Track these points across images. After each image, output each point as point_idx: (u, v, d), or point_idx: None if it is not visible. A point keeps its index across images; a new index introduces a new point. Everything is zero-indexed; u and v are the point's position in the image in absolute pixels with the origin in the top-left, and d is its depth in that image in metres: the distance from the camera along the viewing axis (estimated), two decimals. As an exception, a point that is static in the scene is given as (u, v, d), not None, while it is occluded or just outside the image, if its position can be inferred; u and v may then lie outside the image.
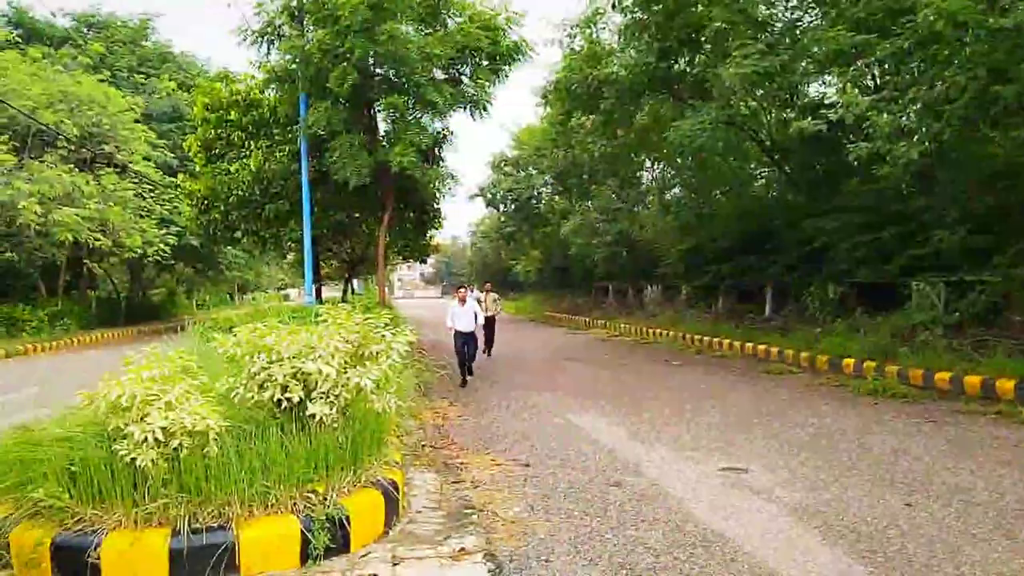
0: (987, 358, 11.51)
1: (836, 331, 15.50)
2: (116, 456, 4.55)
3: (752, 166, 24.62)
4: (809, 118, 14.19)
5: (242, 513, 4.65)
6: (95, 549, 4.32)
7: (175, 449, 4.61)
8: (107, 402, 4.69)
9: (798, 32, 16.24)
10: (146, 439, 4.49)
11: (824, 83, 19.71)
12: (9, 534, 4.48)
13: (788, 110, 19.94)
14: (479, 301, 15.90)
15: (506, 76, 18.24)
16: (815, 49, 14.99)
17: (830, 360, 14.23)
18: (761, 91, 17.29)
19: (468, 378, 13.38)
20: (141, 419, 4.60)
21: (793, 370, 14.49)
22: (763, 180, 25.13)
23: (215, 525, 4.54)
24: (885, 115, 12.55)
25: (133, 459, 4.48)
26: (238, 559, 4.47)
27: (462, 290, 14.17)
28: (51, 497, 4.53)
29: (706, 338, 19.87)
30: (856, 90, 13.78)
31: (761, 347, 17.05)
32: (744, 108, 18.75)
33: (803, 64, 15.97)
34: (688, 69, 19.30)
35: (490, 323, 17.34)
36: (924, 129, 13.43)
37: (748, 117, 19.14)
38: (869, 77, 15.77)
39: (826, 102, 18.16)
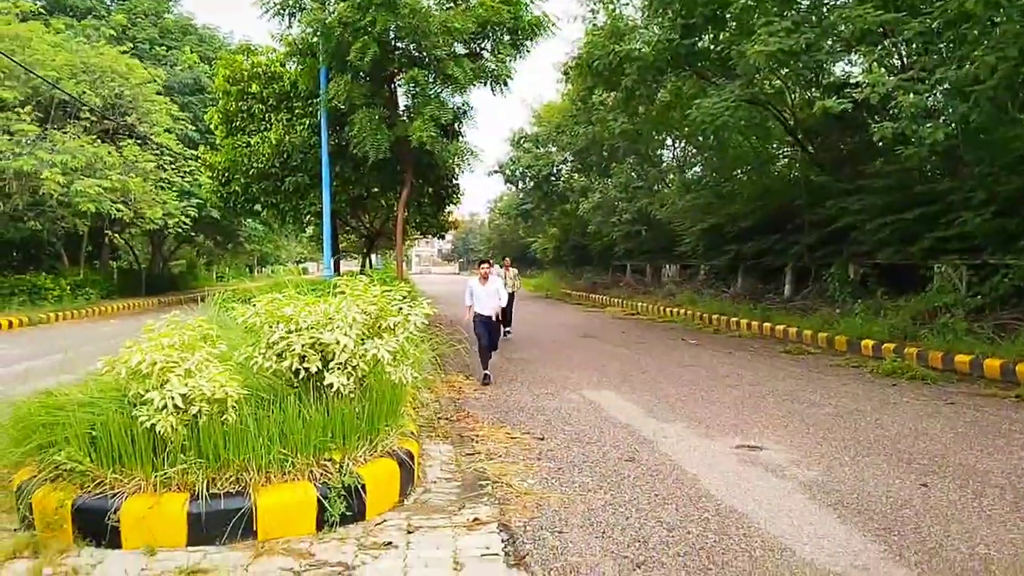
0: (1008, 342, 11.40)
1: (856, 312, 15.40)
2: (136, 421, 4.63)
3: (774, 145, 24.39)
4: (834, 97, 13.97)
5: (259, 479, 4.72)
6: (115, 512, 4.41)
7: (194, 416, 4.68)
8: (128, 368, 4.76)
9: (825, 10, 15.98)
10: (165, 405, 4.55)
11: (850, 62, 19.43)
12: (32, 496, 4.57)
13: (813, 89, 19.68)
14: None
15: (528, 51, 18.07)
16: (842, 27, 14.73)
17: (849, 341, 14.14)
18: (786, 70, 17.06)
19: (488, 374, 11.00)
20: (161, 385, 4.66)
21: (811, 351, 14.41)
22: (785, 159, 24.88)
23: (233, 491, 4.62)
24: (911, 95, 12.37)
25: (153, 425, 4.55)
26: (255, 524, 4.54)
27: (484, 265, 11.76)
28: (72, 460, 4.62)
29: (724, 318, 19.80)
30: (882, 69, 13.61)
31: (779, 327, 16.96)
32: (768, 87, 18.52)
33: (829, 42, 15.73)
34: (712, 46, 19.08)
35: (509, 300, 17.14)
36: (951, 110, 13.25)
37: (772, 96, 18.91)
38: (896, 56, 15.53)
39: (851, 81, 17.92)
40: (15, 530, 4.65)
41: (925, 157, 14.34)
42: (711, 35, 18.92)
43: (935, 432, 7.59)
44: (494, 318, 11.18)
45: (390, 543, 4.53)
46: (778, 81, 18.79)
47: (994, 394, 9.61)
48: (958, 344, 11.95)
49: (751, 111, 17.81)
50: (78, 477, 4.62)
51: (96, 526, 4.41)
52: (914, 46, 14.57)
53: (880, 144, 14.43)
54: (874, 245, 16.40)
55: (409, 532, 4.74)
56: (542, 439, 7.42)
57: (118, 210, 24.08)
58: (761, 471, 6.23)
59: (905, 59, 15.32)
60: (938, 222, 14.42)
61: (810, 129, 19.96)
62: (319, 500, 4.73)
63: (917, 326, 13.42)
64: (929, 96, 13.06)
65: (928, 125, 12.45)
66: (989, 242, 13.44)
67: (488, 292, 11.21)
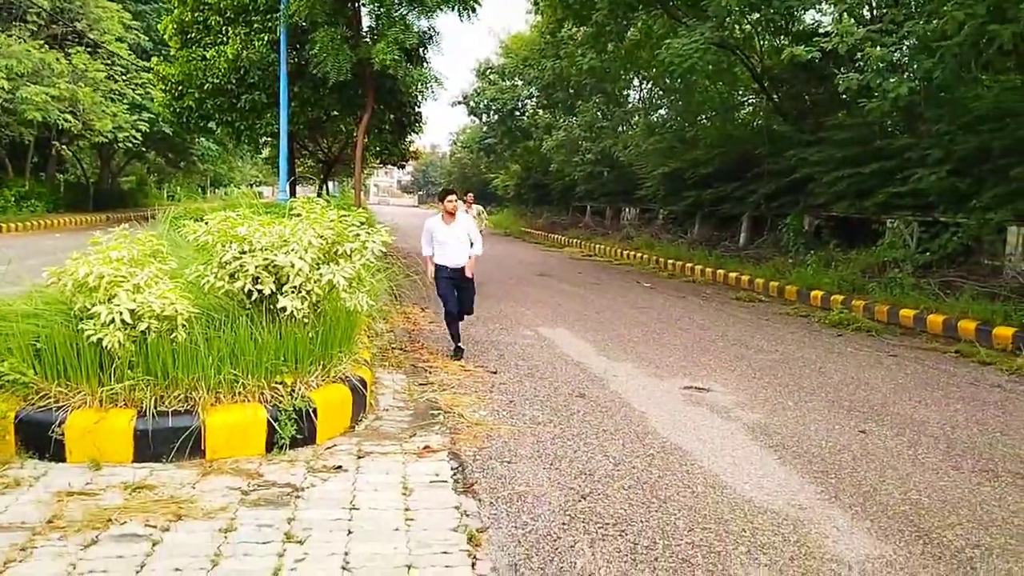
0: (952, 299, 11.71)
1: (808, 263, 15.67)
2: (82, 335, 4.52)
3: (740, 92, 24.34)
4: (803, 46, 13.92)
5: (209, 399, 4.68)
6: (59, 425, 4.34)
7: (143, 332, 4.58)
8: (74, 281, 4.63)
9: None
10: (113, 320, 4.44)
11: (820, 11, 19.33)
12: (-28, 406, 4.46)
13: (782, 37, 19.58)
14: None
15: (498, -22, 17.64)
16: (816, -27, 14.63)
17: (799, 291, 14.42)
18: (757, 14, 16.92)
19: (461, 347, 8.27)
20: (108, 300, 4.54)
21: (762, 299, 14.67)
22: (750, 107, 24.88)
23: (181, 409, 4.57)
24: (879, 48, 12.36)
25: (99, 340, 4.44)
26: (203, 443, 4.51)
27: (451, 199, 8.33)
28: (16, 372, 4.52)
29: (679, 263, 20.00)
30: (852, 20, 13.54)
31: (732, 275, 17.20)
32: (738, 31, 18.37)
33: (802, -12, 15.63)
34: (685, -15, 18.83)
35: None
36: (916, 65, 13.28)
37: (741, 41, 18.78)
38: (866, 8, 15.48)
39: (821, 31, 17.86)
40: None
41: (887, 112, 14.42)
42: (685, -27, 18.65)
43: (876, 382, 7.82)
44: (464, 269, 8.23)
45: (339, 467, 4.55)
46: (748, 26, 18.65)
47: (935, 348, 9.91)
48: (904, 299, 12.26)
49: (720, 55, 17.67)
50: (21, 389, 4.52)
51: (40, 439, 4.34)
52: (885, -3, 14.56)
53: (844, 96, 14.50)
54: (830, 197, 16.60)
55: (359, 457, 4.75)
56: (495, 373, 7.48)
57: (66, 120, 23.23)
58: (706, 411, 6.37)
59: (875, 11, 15.29)
60: (894, 178, 14.61)
61: (776, 77, 19.93)
62: (269, 422, 4.70)
63: (866, 279, 13.72)
64: (896, 49, 13.08)
65: (892, 79, 12.51)
66: (942, 200, 13.67)
67: (456, 235, 8.20)
